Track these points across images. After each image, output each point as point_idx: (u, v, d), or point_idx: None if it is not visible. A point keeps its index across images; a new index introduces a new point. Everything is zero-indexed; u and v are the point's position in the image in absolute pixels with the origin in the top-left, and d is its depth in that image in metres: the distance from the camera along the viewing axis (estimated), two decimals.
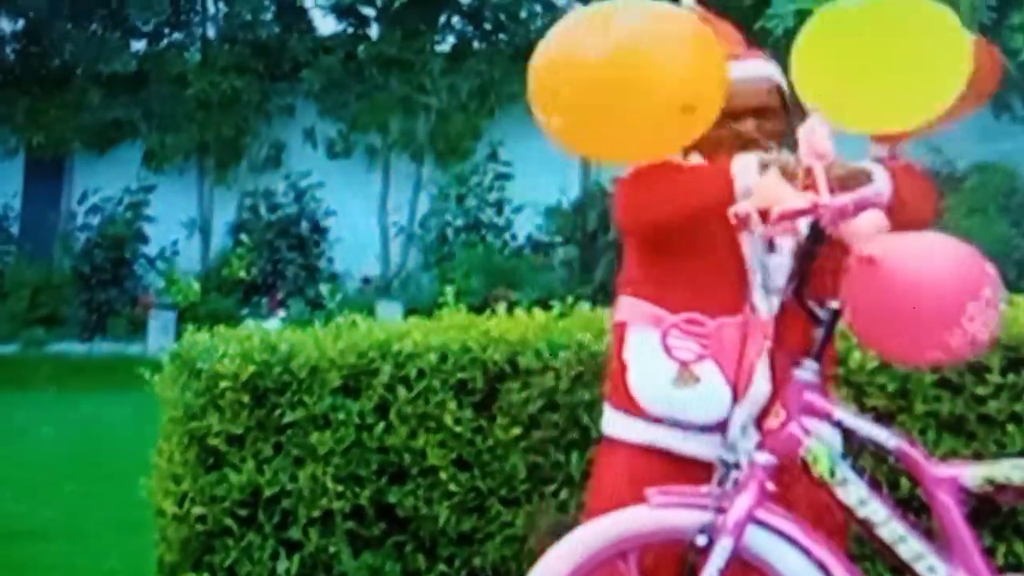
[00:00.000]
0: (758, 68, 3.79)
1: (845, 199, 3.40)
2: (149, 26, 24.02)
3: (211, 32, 24.29)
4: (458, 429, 4.65)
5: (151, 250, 22.77)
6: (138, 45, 24.18)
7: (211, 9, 24.38)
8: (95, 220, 23.01)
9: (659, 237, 3.61)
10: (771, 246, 3.60)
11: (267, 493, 4.74)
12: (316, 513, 4.74)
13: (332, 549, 4.71)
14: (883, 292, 3.42)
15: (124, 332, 21.10)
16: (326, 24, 23.80)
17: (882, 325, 3.43)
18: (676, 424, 3.67)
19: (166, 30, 24.26)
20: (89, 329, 21.53)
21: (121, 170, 23.02)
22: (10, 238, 23.74)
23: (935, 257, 3.47)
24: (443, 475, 4.65)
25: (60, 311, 21.93)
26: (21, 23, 24.16)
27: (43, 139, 23.59)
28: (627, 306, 3.70)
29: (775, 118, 3.77)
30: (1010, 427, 4.17)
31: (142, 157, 23.33)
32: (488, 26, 23.18)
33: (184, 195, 23.40)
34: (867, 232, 3.42)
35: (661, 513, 3.49)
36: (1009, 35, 17.50)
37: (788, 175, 3.44)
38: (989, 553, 3.67)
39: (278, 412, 4.79)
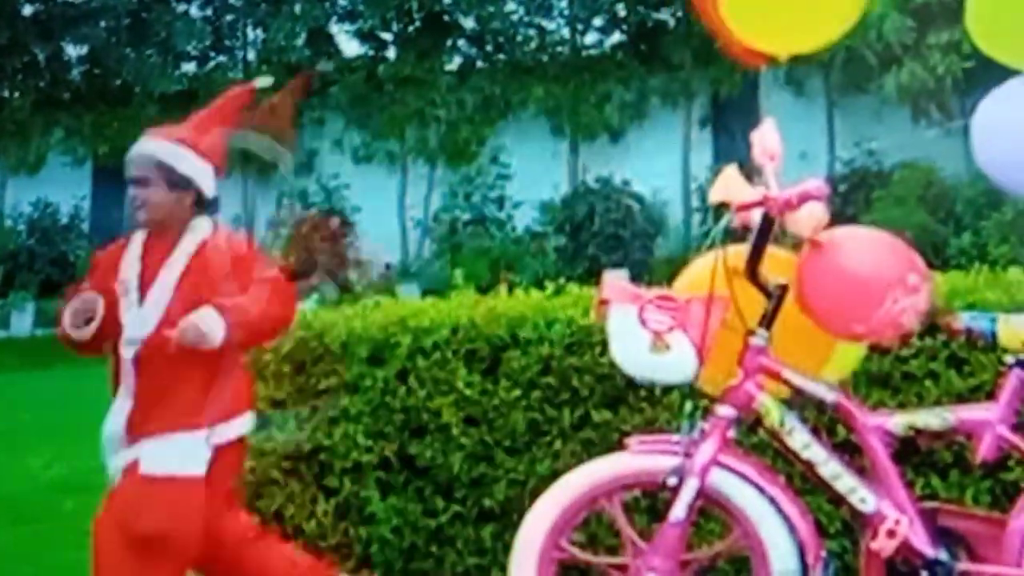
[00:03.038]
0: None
1: (790, 193, 3.46)
2: (196, 50, 24.00)
3: (251, 55, 24.24)
4: (468, 391, 4.63)
5: None
6: (188, 67, 24.15)
7: (250, 35, 24.35)
8: None
9: None
10: None
11: (306, 448, 4.74)
12: (349, 464, 4.73)
13: (363, 494, 4.71)
14: (823, 272, 3.48)
15: None
16: (350, 47, 23.76)
17: (819, 300, 3.49)
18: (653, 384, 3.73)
19: (212, 54, 24.22)
20: None
21: None
22: (81, 234, 23.68)
23: (870, 246, 3.54)
24: (455, 430, 4.64)
25: None
26: (86, 48, 24.10)
27: (107, 149, 23.50)
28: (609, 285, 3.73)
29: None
30: (927, 382, 4.20)
31: None
32: (489, 48, 23.12)
33: (230, 195, 23.33)
34: (808, 221, 3.48)
35: (639, 458, 3.55)
36: (928, 52, 17.55)
37: None
38: (910, 486, 3.72)
39: (314, 380, 4.78)
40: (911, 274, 3.44)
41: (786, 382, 3.55)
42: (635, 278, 15.55)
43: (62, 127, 23.82)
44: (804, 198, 3.44)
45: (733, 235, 3.59)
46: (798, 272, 3.51)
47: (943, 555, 3.43)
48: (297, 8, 23.16)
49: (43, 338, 19.86)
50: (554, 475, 3.91)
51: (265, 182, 23.41)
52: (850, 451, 3.67)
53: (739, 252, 3.53)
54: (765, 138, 3.64)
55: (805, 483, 3.71)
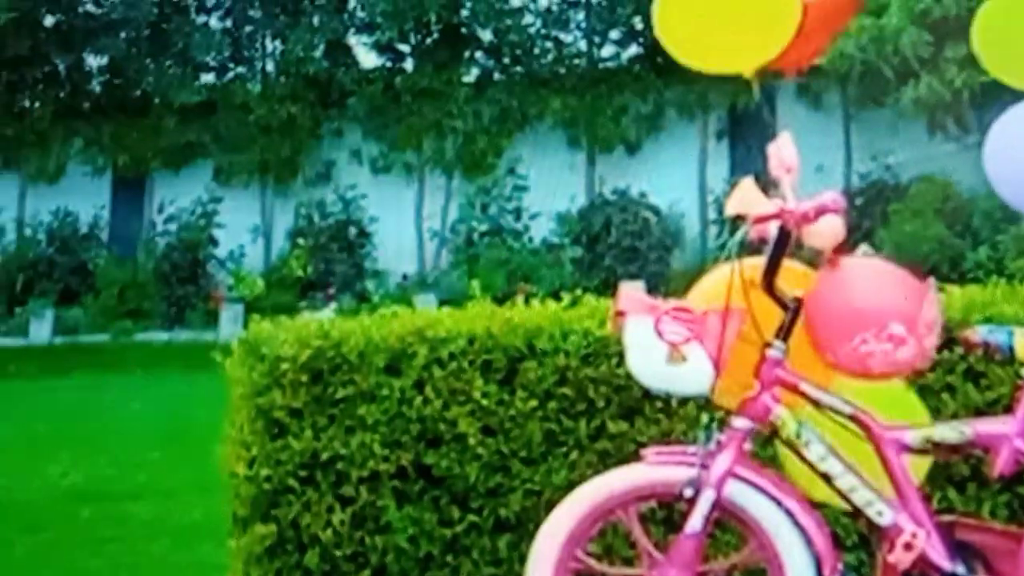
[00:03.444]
0: None
1: (807, 206, 3.45)
2: (215, 61, 24.08)
3: (269, 67, 24.30)
4: (484, 402, 4.63)
5: (221, 252, 22.80)
6: (207, 78, 24.21)
7: (269, 47, 24.41)
8: (173, 227, 23.06)
9: None
10: None
11: (323, 457, 4.73)
12: (365, 473, 4.73)
13: (379, 503, 4.71)
14: (822, 293, 3.50)
15: (199, 322, 21.13)
16: (368, 59, 23.81)
17: (812, 319, 3.51)
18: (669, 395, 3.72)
19: (230, 65, 24.28)
20: (169, 320, 21.59)
21: (194, 185, 23.06)
22: (100, 243, 23.76)
23: (870, 282, 3.53)
24: (472, 440, 4.64)
25: (144, 305, 21.98)
26: (106, 59, 24.19)
27: (127, 159, 23.64)
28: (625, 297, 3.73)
29: None
30: (945, 395, 4.19)
31: (212, 174, 23.35)
32: (507, 60, 23.16)
33: (249, 206, 23.42)
34: (825, 234, 3.47)
35: (655, 470, 3.55)
36: (945, 66, 17.52)
37: None
38: (927, 499, 3.71)
39: (331, 389, 4.77)
40: (896, 323, 3.42)
41: (803, 394, 3.55)
42: (651, 290, 15.54)
43: (82, 137, 23.90)
44: (821, 211, 3.44)
45: (749, 248, 3.58)
46: (811, 288, 3.52)
47: (960, 569, 3.42)
48: (315, 20, 23.22)
49: (61, 346, 19.95)
50: (570, 486, 3.90)
51: (283, 192, 23.47)
52: None
53: (755, 264, 3.53)
54: (782, 151, 3.64)
55: None
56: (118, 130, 23.60)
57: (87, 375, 15.90)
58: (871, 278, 3.55)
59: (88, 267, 22.98)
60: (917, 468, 3.65)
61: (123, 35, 23.50)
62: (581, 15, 23.07)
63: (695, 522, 3.41)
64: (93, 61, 24.40)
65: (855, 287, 3.49)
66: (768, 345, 3.52)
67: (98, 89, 24.47)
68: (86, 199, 23.59)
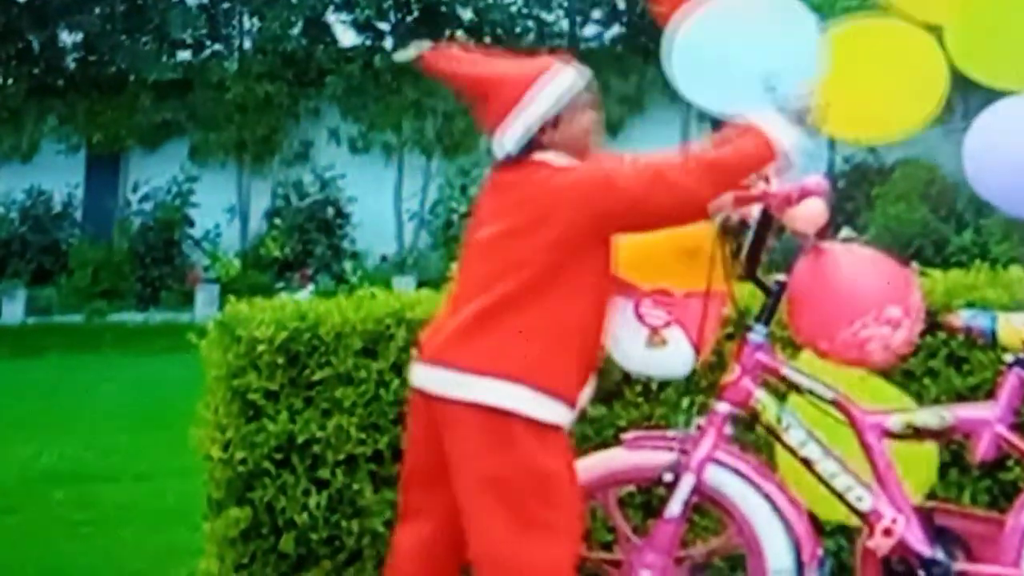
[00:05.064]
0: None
1: (790, 188, 3.45)
2: (191, 38, 23.98)
3: (247, 44, 24.22)
4: None
5: (197, 232, 22.73)
6: (183, 55, 24.13)
7: (246, 24, 24.32)
8: (148, 207, 22.97)
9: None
10: None
11: (299, 440, 4.72)
12: (342, 456, 4.72)
13: (356, 487, 4.70)
14: (809, 280, 3.50)
15: (174, 303, 21.09)
16: (347, 37, 23.76)
17: (798, 307, 3.51)
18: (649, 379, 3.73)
19: (207, 42, 24.20)
20: (144, 301, 21.53)
21: (170, 164, 22.97)
22: (74, 223, 23.69)
23: (861, 267, 3.54)
24: None
25: (119, 285, 21.91)
26: (80, 36, 24.07)
27: (102, 137, 23.56)
28: None
29: None
30: (927, 380, 4.19)
31: (188, 152, 23.29)
32: (488, 40, 23.10)
33: (225, 185, 23.35)
34: (807, 218, 3.47)
35: (634, 454, 3.55)
36: None
37: None
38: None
39: (308, 371, 4.76)
40: (892, 306, 3.43)
41: (784, 379, 3.55)
42: None
43: (56, 114, 23.81)
44: (804, 194, 3.44)
45: (732, 230, 3.58)
46: (794, 273, 3.51)
47: (940, 555, 3.43)
48: None
49: (34, 327, 19.86)
50: None
51: (260, 172, 23.40)
52: None
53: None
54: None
55: None
56: (92, 107, 23.51)
57: (60, 356, 15.83)
58: (860, 263, 3.55)
59: (61, 246, 22.91)
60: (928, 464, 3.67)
61: (98, 11, 23.40)
62: None
63: (674, 507, 3.42)
64: (67, 37, 24.30)
65: (847, 272, 3.49)
66: (749, 329, 3.53)
67: (72, 66, 24.37)
68: (60, 177, 23.49)
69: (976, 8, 4.02)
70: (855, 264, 3.53)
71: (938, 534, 3.47)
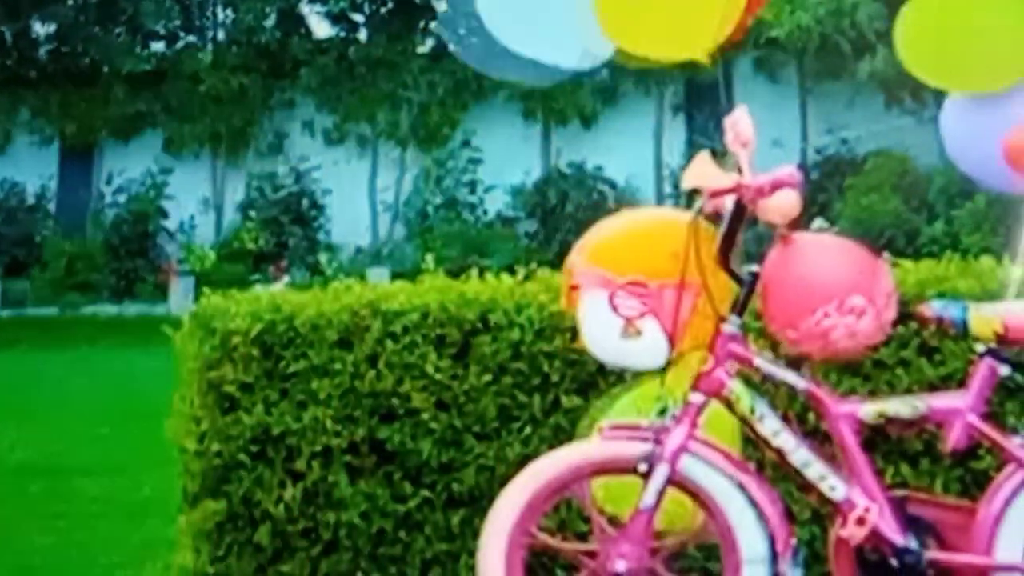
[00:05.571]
0: None
1: (763, 180, 3.46)
2: (165, 30, 23.88)
3: (220, 36, 24.15)
4: (438, 376, 4.62)
5: (171, 224, 22.68)
6: (157, 47, 24.04)
7: (220, 16, 24.24)
8: (122, 199, 22.91)
9: None
10: None
11: (275, 432, 4.71)
12: (317, 448, 4.71)
13: (331, 479, 4.70)
14: (777, 269, 3.51)
15: (149, 295, 21.03)
16: (321, 29, 23.69)
17: (768, 297, 3.52)
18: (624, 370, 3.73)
19: (181, 34, 24.11)
20: (118, 293, 21.46)
21: (144, 155, 22.91)
22: (48, 215, 23.59)
23: (827, 256, 3.55)
24: (425, 415, 4.63)
25: (93, 278, 21.83)
26: (53, 27, 23.93)
27: (75, 129, 23.44)
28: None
29: None
30: (899, 370, 4.21)
31: (162, 144, 23.21)
32: (461, 31, 23.08)
33: (199, 177, 23.28)
34: (780, 209, 3.48)
35: (609, 444, 3.56)
36: None
37: None
38: (880, 474, 3.74)
39: (283, 363, 4.75)
40: (856, 296, 3.44)
41: (757, 369, 3.57)
42: None
43: (28, 106, 23.69)
44: (777, 185, 3.44)
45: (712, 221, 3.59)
46: (766, 263, 3.53)
47: (912, 543, 3.45)
48: None
49: (8, 319, 19.76)
50: (524, 461, 3.90)
51: (235, 164, 23.34)
52: (820, 439, 3.68)
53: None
54: (738, 125, 3.64)
55: (775, 470, 3.72)
56: (66, 99, 23.39)
57: (34, 349, 15.75)
58: (826, 252, 3.56)
59: (35, 239, 22.82)
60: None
61: (71, 2, 23.30)
62: None
63: (649, 497, 3.43)
64: (40, 29, 24.16)
65: (812, 261, 3.51)
66: (723, 319, 3.54)
67: (45, 58, 24.21)
68: (33, 170, 23.38)
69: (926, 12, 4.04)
70: (820, 253, 3.54)
71: (910, 523, 3.49)
